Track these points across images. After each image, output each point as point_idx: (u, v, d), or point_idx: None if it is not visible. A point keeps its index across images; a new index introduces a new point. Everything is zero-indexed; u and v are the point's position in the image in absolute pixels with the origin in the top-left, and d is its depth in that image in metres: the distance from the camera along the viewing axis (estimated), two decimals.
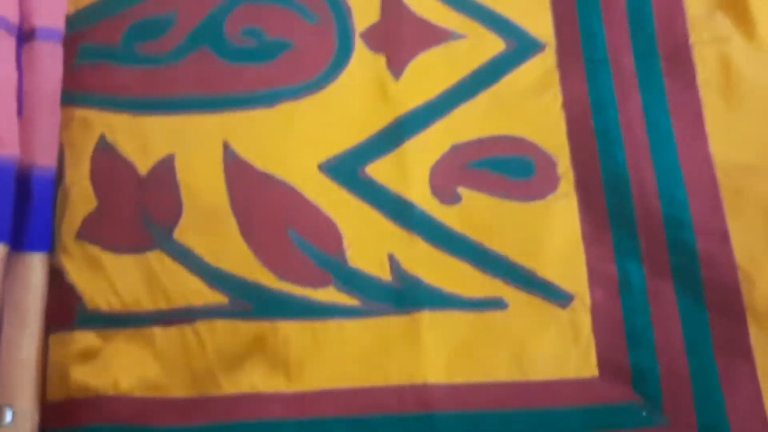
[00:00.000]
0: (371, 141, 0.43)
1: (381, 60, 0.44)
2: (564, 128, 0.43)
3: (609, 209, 0.41)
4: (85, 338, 0.39)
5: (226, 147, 0.42)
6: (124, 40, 0.42)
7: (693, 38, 0.44)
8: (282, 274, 0.40)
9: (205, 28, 0.43)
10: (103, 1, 0.43)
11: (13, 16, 0.42)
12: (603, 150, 0.42)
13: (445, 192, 0.42)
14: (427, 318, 0.39)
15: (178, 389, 0.38)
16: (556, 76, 0.44)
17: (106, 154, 0.41)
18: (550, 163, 0.42)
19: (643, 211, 0.41)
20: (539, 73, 0.44)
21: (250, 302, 0.39)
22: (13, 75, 0.41)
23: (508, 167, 0.43)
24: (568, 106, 0.43)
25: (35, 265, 0.40)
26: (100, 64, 0.42)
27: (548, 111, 0.43)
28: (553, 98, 0.44)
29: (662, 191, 0.41)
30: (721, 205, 0.40)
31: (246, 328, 0.39)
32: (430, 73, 0.44)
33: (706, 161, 0.41)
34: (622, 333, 0.39)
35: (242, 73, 0.42)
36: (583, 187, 0.42)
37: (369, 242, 0.41)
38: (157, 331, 0.39)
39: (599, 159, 0.42)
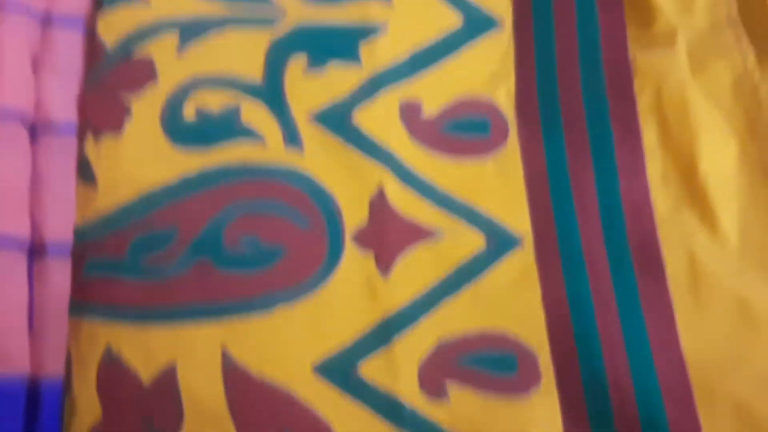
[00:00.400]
0: (362, 340, 0.45)
1: (370, 259, 0.47)
2: (544, 323, 0.46)
3: (588, 407, 0.43)
4: None
5: (224, 354, 0.44)
6: (130, 253, 0.45)
7: (661, 235, 0.46)
8: None
9: (204, 239, 0.46)
10: (109, 215, 0.46)
11: (24, 232, 0.45)
12: (581, 347, 0.44)
13: (433, 389, 0.44)
14: None
15: None
16: (534, 271, 0.47)
17: (111, 365, 0.44)
18: (532, 358, 0.45)
19: (620, 410, 0.43)
20: (519, 268, 0.47)
21: None
22: (25, 294, 0.44)
23: (492, 363, 0.45)
24: (546, 301, 0.46)
25: None
26: (106, 276, 0.45)
27: (528, 306, 0.46)
28: (533, 293, 0.46)
29: (638, 390, 0.43)
30: (694, 403, 0.42)
31: None
32: (416, 270, 0.47)
33: (679, 359, 0.43)
34: None
35: (240, 280, 0.45)
36: (563, 384, 0.44)
37: None
38: None
39: (578, 356, 0.44)
